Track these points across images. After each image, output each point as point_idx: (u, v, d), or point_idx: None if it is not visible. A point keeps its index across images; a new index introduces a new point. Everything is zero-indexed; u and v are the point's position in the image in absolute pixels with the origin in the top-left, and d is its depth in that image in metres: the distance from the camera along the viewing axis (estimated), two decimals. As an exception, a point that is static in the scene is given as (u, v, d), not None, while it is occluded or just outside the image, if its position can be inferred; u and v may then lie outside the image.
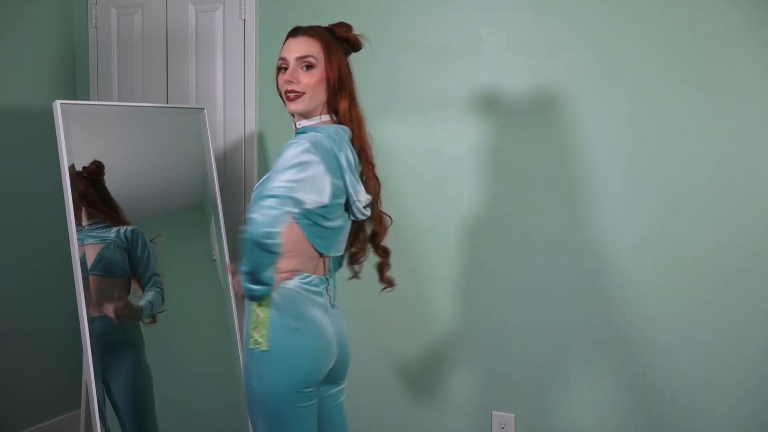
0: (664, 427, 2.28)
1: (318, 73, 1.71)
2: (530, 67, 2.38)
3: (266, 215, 1.53)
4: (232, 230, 2.81)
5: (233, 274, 1.78)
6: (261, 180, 1.70)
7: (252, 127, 2.81)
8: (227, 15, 2.82)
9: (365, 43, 1.80)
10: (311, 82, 1.71)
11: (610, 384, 2.34)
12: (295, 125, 1.76)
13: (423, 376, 2.60)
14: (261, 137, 2.81)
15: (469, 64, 2.46)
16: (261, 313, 1.67)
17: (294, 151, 1.59)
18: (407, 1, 2.53)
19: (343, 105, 1.74)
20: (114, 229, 2.33)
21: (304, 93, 1.70)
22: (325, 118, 1.75)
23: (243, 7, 2.78)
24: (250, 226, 1.53)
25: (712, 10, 2.15)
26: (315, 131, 1.70)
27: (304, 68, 1.71)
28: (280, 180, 1.56)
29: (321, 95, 1.73)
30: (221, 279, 2.61)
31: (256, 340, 1.67)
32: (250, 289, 1.62)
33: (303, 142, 1.61)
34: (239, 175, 2.84)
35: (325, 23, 1.79)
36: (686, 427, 2.25)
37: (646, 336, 2.28)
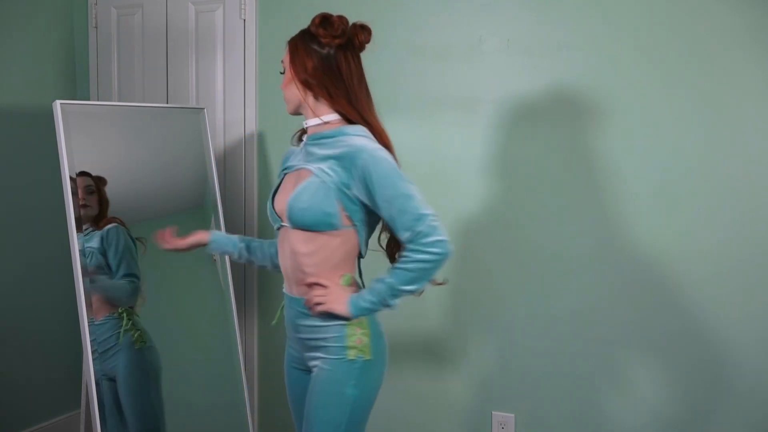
0: (663, 426, 2.28)
1: (287, 74, 1.76)
2: (530, 67, 2.38)
3: (444, 231, 1.62)
4: (232, 230, 2.81)
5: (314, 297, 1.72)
6: (304, 187, 1.67)
7: (252, 127, 2.81)
8: (227, 15, 2.82)
9: (335, 25, 1.69)
10: (283, 84, 1.77)
11: (610, 383, 2.34)
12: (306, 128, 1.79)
13: (423, 376, 2.60)
14: (261, 137, 2.81)
15: (469, 64, 2.46)
16: (359, 326, 1.70)
17: (389, 160, 1.64)
18: (407, 2, 2.53)
19: (306, 101, 1.73)
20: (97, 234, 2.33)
21: (284, 97, 1.79)
22: (331, 117, 1.72)
23: (243, 7, 2.78)
24: (439, 246, 1.59)
25: (711, 10, 2.15)
26: (358, 134, 1.70)
27: (281, 73, 1.80)
28: (414, 189, 1.62)
29: (293, 95, 1.75)
30: (221, 279, 2.61)
31: (358, 350, 1.69)
32: (393, 306, 1.67)
33: (381, 147, 1.67)
34: (239, 175, 2.84)
35: None
36: (684, 426, 2.25)
37: (645, 336, 2.28)
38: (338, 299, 1.67)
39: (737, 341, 2.18)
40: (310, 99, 1.73)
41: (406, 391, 2.61)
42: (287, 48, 1.77)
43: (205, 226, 2.63)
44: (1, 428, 2.78)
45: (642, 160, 2.26)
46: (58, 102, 2.21)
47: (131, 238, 2.39)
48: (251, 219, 2.83)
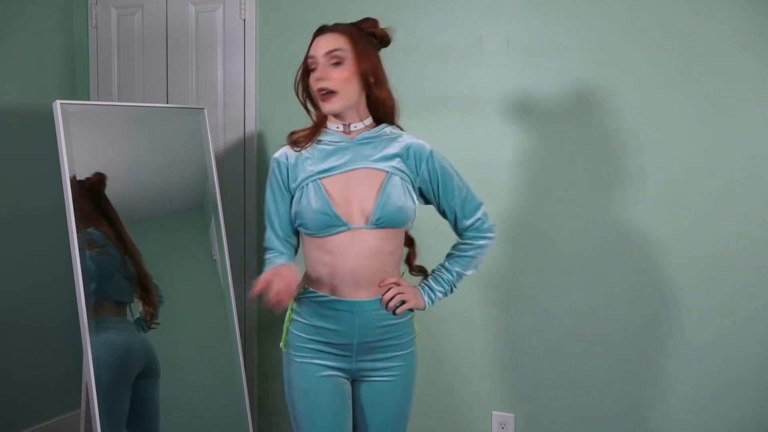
0: (663, 425, 2.28)
1: (348, 68, 1.64)
2: (530, 67, 2.38)
3: None
4: (232, 231, 2.81)
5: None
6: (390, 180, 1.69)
7: (252, 127, 2.81)
8: (227, 15, 2.82)
9: (393, 37, 1.75)
10: (341, 78, 1.64)
11: (610, 383, 2.34)
12: (348, 127, 1.70)
13: (423, 376, 2.59)
14: (261, 137, 2.81)
15: (469, 64, 2.46)
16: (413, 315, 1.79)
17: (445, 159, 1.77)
18: (407, 2, 2.53)
19: (387, 96, 1.73)
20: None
21: (336, 92, 1.64)
22: (370, 120, 1.74)
23: (243, 7, 2.78)
24: (493, 230, 1.80)
25: (712, 10, 2.15)
26: (405, 132, 1.78)
27: (333, 64, 1.64)
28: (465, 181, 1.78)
29: (353, 92, 1.66)
30: (221, 279, 2.61)
31: (416, 337, 1.80)
32: (455, 290, 1.83)
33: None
34: (239, 175, 2.84)
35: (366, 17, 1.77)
36: (685, 425, 2.25)
37: (645, 336, 2.28)
38: (416, 294, 1.75)
39: (739, 340, 2.17)
40: (363, 99, 1.71)
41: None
42: (344, 37, 1.65)
43: (205, 226, 2.63)
44: (1, 428, 2.78)
45: (644, 160, 2.25)
46: (58, 102, 2.21)
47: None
48: (251, 219, 2.83)
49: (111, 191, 2.34)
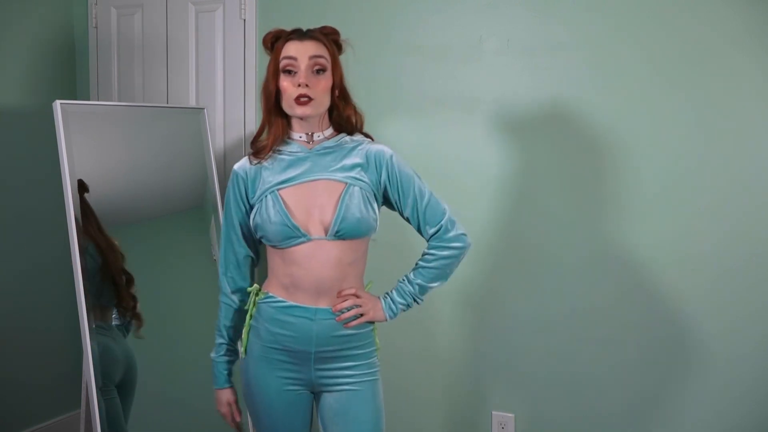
0: (663, 425, 2.28)
1: (327, 77, 1.65)
2: (530, 67, 2.38)
3: (461, 224, 1.74)
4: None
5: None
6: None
7: (252, 127, 2.81)
8: (227, 15, 2.82)
9: (348, 48, 1.73)
10: (323, 87, 1.64)
11: (610, 384, 2.34)
12: (311, 136, 1.68)
13: (423, 376, 2.60)
14: (261, 137, 2.81)
15: (469, 64, 2.46)
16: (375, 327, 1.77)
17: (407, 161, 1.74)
18: (407, 2, 2.53)
19: (352, 112, 1.71)
20: None
21: (313, 99, 1.62)
22: (330, 132, 1.71)
23: (243, 7, 2.79)
24: (461, 239, 1.70)
25: (711, 10, 2.15)
26: (366, 140, 1.74)
27: (316, 72, 1.63)
28: (428, 186, 1.73)
29: (327, 103, 1.66)
30: (221, 279, 2.62)
31: (378, 346, 1.76)
32: (421, 303, 1.75)
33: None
34: (239, 175, 2.84)
35: (326, 24, 1.76)
36: (684, 425, 2.25)
37: (645, 336, 2.28)
38: (375, 306, 1.70)
39: (739, 340, 2.17)
40: (339, 107, 1.71)
41: (406, 391, 2.61)
42: (324, 46, 1.65)
43: (205, 226, 2.63)
44: (1, 428, 2.78)
45: (642, 161, 2.25)
46: (58, 102, 2.21)
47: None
48: (251, 219, 2.83)
49: (110, 191, 2.34)
